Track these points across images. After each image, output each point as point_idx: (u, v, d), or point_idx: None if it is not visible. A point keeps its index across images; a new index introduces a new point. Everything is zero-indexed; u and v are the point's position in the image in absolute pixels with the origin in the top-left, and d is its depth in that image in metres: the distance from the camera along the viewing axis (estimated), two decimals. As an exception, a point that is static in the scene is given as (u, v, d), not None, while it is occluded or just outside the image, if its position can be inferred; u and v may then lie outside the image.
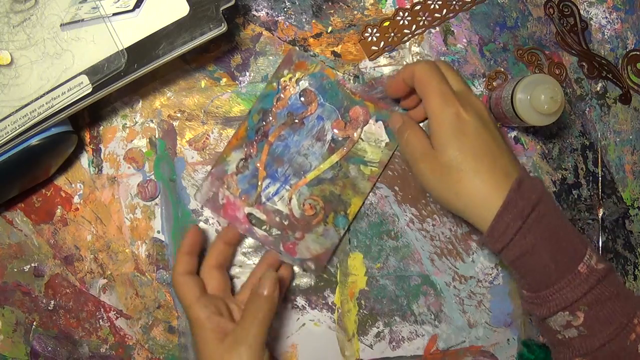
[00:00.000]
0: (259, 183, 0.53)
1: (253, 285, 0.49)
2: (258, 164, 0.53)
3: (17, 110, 0.46)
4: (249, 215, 0.53)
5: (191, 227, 0.51)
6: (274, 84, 0.54)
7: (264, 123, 0.54)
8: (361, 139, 0.54)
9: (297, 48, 0.55)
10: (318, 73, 0.54)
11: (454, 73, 0.48)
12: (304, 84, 0.54)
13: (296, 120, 0.54)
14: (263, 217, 0.53)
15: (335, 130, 0.54)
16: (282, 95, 0.54)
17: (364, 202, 0.55)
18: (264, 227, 0.53)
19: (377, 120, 0.54)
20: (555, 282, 0.43)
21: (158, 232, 0.55)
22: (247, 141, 0.54)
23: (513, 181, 0.44)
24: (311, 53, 0.56)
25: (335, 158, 0.54)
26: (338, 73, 0.55)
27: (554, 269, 0.43)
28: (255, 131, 0.54)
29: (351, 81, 0.56)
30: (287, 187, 0.53)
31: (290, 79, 0.54)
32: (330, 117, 0.54)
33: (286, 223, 0.53)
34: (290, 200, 0.53)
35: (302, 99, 0.54)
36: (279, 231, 0.53)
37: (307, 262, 0.53)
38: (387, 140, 0.54)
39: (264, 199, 0.54)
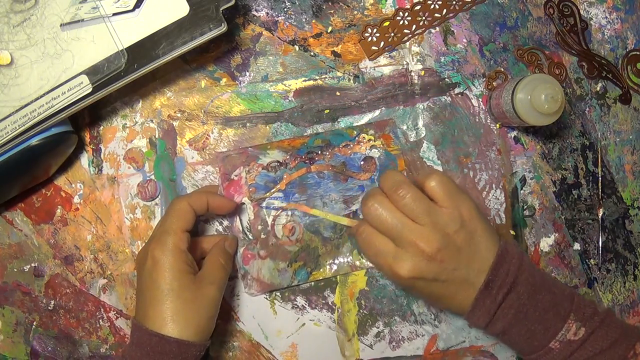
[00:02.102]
0: (273, 190, 0.54)
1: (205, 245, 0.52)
2: (286, 176, 0.54)
3: (17, 110, 0.46)
4: (243, 204, 0.54)
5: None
6: (355, 132, 0.55)
7: (319, 152, 0.54)
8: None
9: (395, 121, 0.55)
10: (393, 155, 0.55)
11: (406, 195, 0.47)
12: (375, 153, 0.54)
13: (343, 174, 0.54)
14: (251, 215, 0.54)
15: None
16: (351, 145, 0.54)
17: (329, 278, 0.55)
18: (244, 224, 0.54)
19: None
20: (530, 354, 0.47)
21: (158, 232, 0.55)
22: (295, 153, 0.54)
23: (483, 280, 0.46)
24: (311, 53, 0.56)
25: (344, 221, 0.54)
26: (405, 171, 0.55)
27: (526, 347, 0.47)
28: (307, 151, 0.54)
29: (351, 81, 0.56)
30: (289, 212, 0.54)
31: (369, 140, 0.54)
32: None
33: (263, 236, 0.54)
34: (276, 219, 0.54)
35: (363, 162, 0.54)
36: (252, 237, 0.54)
37: (249, 277, 0.54)
38: None
39: (264, 204, 0.54)
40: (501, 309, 0.46)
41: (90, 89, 0.46)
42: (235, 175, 0.54)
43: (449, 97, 0.57)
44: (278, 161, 0.54)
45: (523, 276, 0.46)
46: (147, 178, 0.55)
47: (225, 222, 0.55)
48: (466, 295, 0.46)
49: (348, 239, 0.54)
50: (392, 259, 0.46)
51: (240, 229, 0.54)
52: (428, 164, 0.56)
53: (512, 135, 0.57)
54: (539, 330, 0.46)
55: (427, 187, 0.47)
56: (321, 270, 0.54)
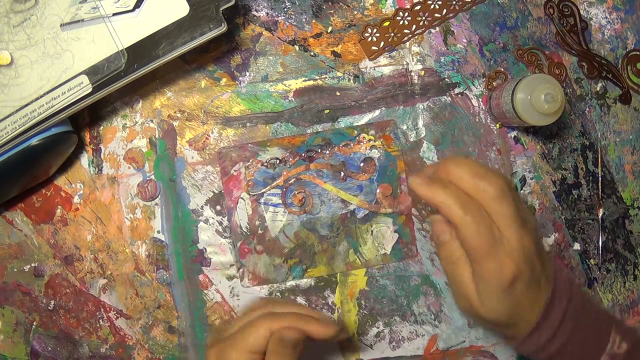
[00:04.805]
0: (270, 186, 0.54)
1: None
2: (285, 173, 0.54)
3: (17, 110, 0.46)
4: (240, 199, 0.54)
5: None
6: (356, 132, 0.55)
7: (319, 151, 0.54)
8: (372, 231, 0.55)
9: (396, 122, 0.55)
10: (393, 156, 0.55)
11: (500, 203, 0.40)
12: (375, 153, 0.55)
13: (342, 173, 0.54)
14: (249, 211, 0.54)
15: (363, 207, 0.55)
16: (351, 145, 0.55)
17: (325, 276, 0.55)
18: (241, 219, 0.54)
19: (396, 231, 0.55)
20: None
21: (158, 232, 0.55)
22: (295, 150, 0.54)
23: (550, 286, 0.42)
24: (311, 53, 0.56)
25: (354, 200, 0.54)
26: (405, 174, 0.55)
27: None
28: (307, 149, 0.54)
29: (351, 81, 0.56)
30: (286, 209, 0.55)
31: (369, 140, 0.55)
32: (367, 195, 0.54)
33: (260, 232, 0.54)
34: (263, 212, 0.54)
35: (362, 164, 0.54)
36: (249, 233, 0.54)
37: (244, 270, 0.54)
38: (387, 253, 0.55)
39: (262, 200, 0.54)
40: (564, 321, 0.42)
41: (90, 89, 0.46)
42: (235, 170, 0.54)
43: (449, 97, 0.57)
44: (277, 158, 0.54)
45: (575, 284, 0.43)
46: (147, 178, 0.55)
47: (225, 223, 0.55)
48: (538, 305, 0.42)
49: (344, 237, 0.54)
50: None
51: (237, 223, 0.54)
52: (428, 164, 0.56)
53: (512, 135, 0.57)
54: (591, 343, 0.43)
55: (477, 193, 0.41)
56: (317, 268, 0.54)
